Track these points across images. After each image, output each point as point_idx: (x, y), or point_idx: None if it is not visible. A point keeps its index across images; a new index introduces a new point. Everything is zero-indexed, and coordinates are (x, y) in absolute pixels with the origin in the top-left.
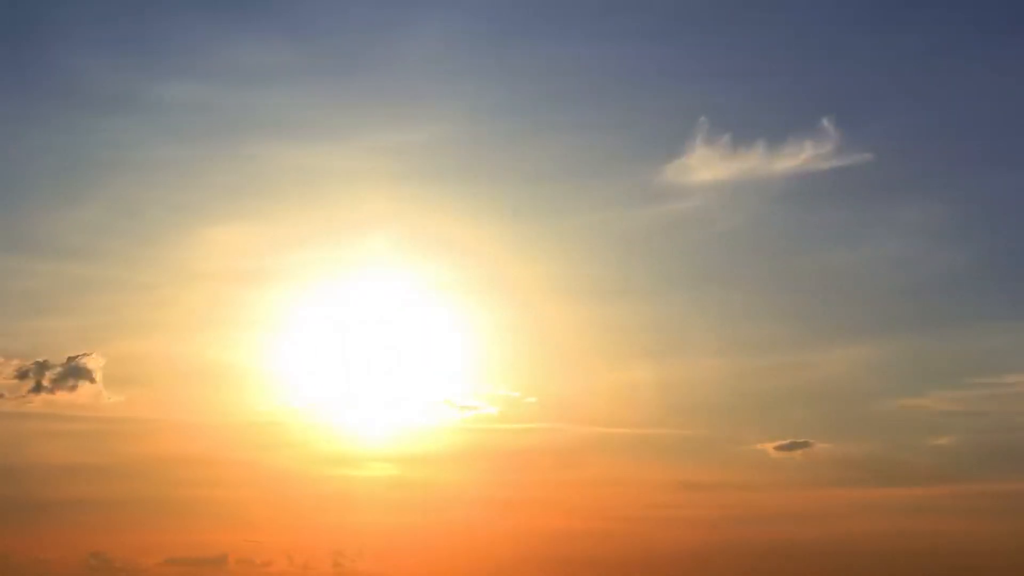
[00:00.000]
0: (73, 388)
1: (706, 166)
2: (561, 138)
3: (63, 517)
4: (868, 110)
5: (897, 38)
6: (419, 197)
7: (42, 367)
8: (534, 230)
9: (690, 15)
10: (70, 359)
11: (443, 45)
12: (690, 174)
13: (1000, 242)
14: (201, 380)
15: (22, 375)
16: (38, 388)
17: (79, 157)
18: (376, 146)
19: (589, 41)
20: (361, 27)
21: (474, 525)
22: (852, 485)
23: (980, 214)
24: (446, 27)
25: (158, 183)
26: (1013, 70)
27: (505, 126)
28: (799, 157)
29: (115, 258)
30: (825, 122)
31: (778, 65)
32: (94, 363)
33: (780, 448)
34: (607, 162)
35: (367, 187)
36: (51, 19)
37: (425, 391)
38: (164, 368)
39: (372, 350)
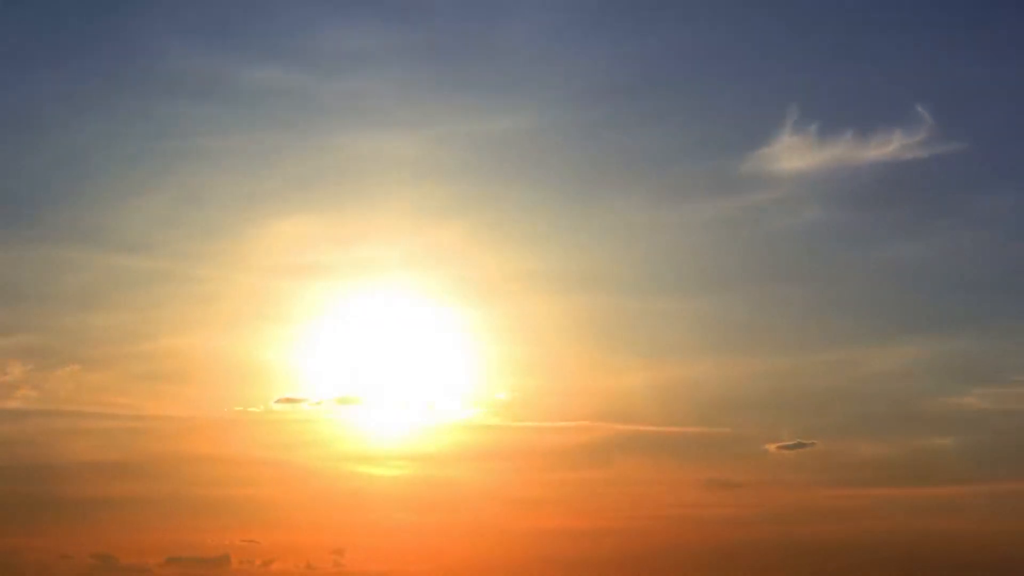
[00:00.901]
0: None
1: (790, 156)
2: (643, 128)
3: (88, 514)
4: (963, 99)
5: (994, 26)
6: (489, 189)
7: (83, 363)
8: (603, 223)
9: (782, 1)
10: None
11: (529, 34)
12: (773, 164)
13: None
14: (236, 376)
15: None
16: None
17: (152, 144)
18: (452, 136)
19: (678, 28)
20: (450, 14)
21: (494, 524)
22: (889, 484)
23: None
24: (534, 16)
25: (227, 173)
26: None
27: (586, 116)
28: (888, 147)
29: (173, 252)
30: (919, 110)
31: (871, 52)
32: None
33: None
34: (688, 153)
35: (438, 178)
36: None
37: (462, 387)
38: (201, 364)
39: (419, 345)
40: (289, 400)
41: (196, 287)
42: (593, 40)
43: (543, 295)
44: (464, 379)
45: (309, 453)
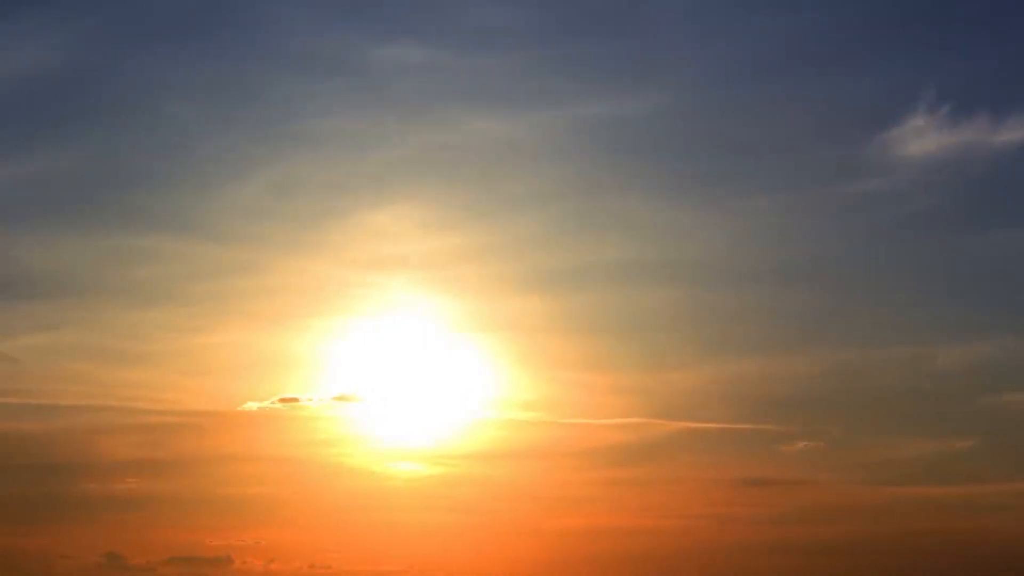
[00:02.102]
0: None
1: (919, 139)
2: (771, 111)
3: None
4: None
5: None
6: (598, 173)
7: (129, 358)
8: (713, 209)
9: None
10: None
11: (669, 13)
12: (900, 147)
13: None
14: (289, 371)
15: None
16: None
17: (258, 128)
18: (574, 118)
19: (816, 5)
20: None
21: (521, 523)
22: (941, 482)
23: None
24: None
25: (331, 158)
26: None
27: (715, 99)
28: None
29: (260, 242)
30: None
31: (1012, 31)
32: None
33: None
34: (812, 135)
35: (550, 162)
36: None
37: (514, 382)
38: (252, 359)
39: (480, 339)
40: (343, 397)
41: (272, 279)
42: (732, 19)
43: (622, 286)
44: (518, 374)
45: (354, 451)
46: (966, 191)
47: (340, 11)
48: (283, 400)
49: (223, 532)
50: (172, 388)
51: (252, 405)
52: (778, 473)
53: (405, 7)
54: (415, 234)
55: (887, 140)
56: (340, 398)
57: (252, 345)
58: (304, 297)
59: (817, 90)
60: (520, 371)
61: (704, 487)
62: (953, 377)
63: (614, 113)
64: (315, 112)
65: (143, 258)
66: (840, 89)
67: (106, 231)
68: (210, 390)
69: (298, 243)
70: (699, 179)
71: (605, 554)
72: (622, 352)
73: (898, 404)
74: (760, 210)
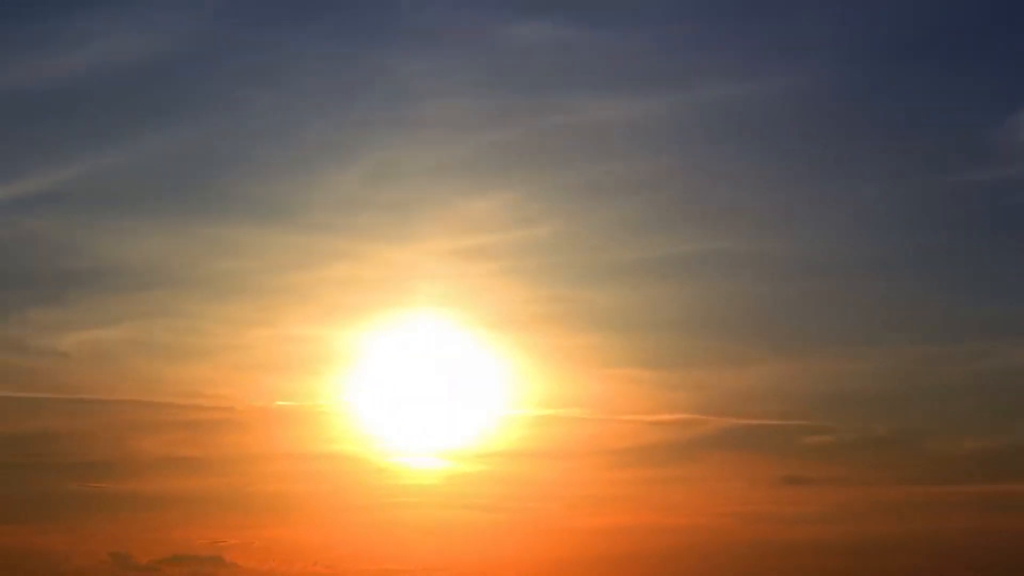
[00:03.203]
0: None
1: None
2: (899, 94)
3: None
4: None
5: None
6: (703, 159)
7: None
8: (823, 198)
9: None
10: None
11: None
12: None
13: None
14: (348, 367)
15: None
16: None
17: (376, 108)
18: (693, 100)
19: None
20: None
21: (548, 522)
22: (998, 480)
23: None
24: None
25: (439, 141)
26: None
27: (839, 81)
28: None
29: (354, 232)
30: None
31: None
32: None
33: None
34: (939, 120)
35: (657, 146)
36: None
37: (566, 377)
38: (314, 354)
39: (536, 334)
40: (388, 392)
41: (355, 270)
42: None
43: (702, 278)
44: (568, 369)
45: (386, 448)
46: None
47: None
48: (322, 395)
49: (244, 530)
50: (218, 384)
51: (284, 403)
52: (826, 471)
53: None
54: (507, 223)
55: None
56: (385, 392)
57: (316, 339)
58: (383, 289)
59: (949, 72)
60: (571, 366)
61: (745, 485)
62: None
63: (739, 95)
64: (430, 93)
65: (226, 249)
66: (969, 72)
67: (194, 221)
68: (257, 386)
69: (388, 233)
70: (815, 166)
71: (629, 552)
72: (682, 347)
73: (959, 401)
74: (871, 199)
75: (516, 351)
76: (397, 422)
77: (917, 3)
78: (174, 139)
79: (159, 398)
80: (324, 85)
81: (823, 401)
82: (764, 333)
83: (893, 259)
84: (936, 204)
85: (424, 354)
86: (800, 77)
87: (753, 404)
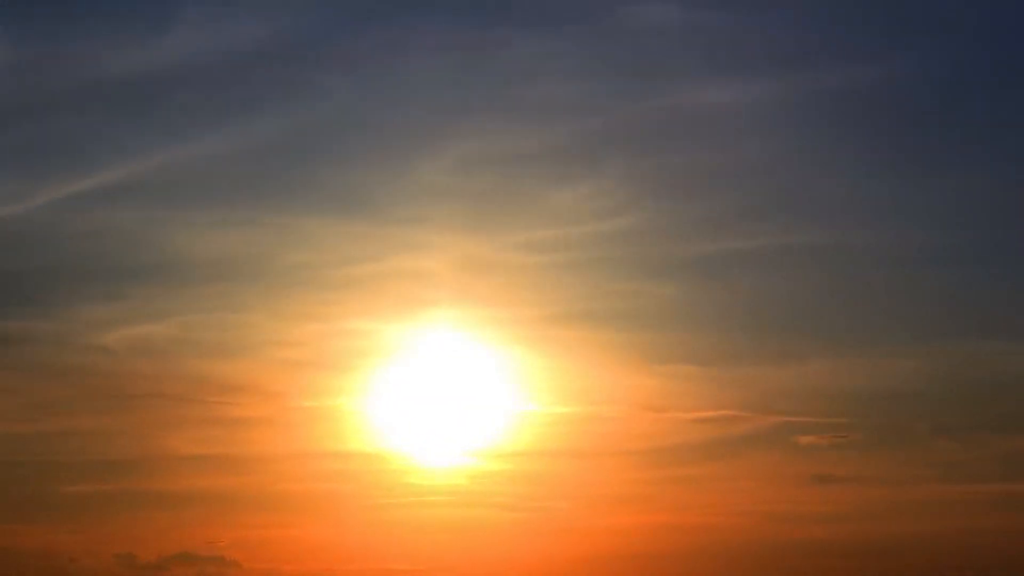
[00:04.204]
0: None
1: None
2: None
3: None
4: None
5: None
6: (812, 147)
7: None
8: (920, 190)
9: None
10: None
11: None
12: None
13: None
14: (395, 364)
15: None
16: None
17: (476, 92)
18: (806, 85)
19: None
20: None
21: (569, 521)
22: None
23: None
24: None
25: (534, 128)
26: None
27: (959, 66)
28: None
29: (434, 223)
30: None
31: None
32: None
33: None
34: None
35: (759, 134)
36: None
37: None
38: (359, 348)
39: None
40: (429, 386)
41: (429, 263)
42: None
43: (775, 273)
44: (617, 366)
45: (416, 446)
46: None
47: None
48: (358, 393)
49: (265, 529)
50: (257, 381)
51: (312, 403)
52: (862, 469)
53: None
54: (590, 214)
55: None
56: (427, 390)
57: (367, 334)
58: (447, 283)
59: None
60: (620, 363)
61: (777, 483)
62: None
63: (853, 80)
64: (537, 77)
65: (297, 242)
66: None
67: (270, 214)
68: (296, 383)
69: (467, 225)
70: (919, 156)
71: (656, 551)
72: (736, 344)
73: (1007, 398)
74: (972, 191)
75: (567, 348)
76: (433, 420)
77: None
78: (258, 130)
79: (194, 395)
80: (424, 71)
81: (871, 398)
82: (822, 329)
83: (961, 254)
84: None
85: (472, 351)
86: (920, 63)
87: (799, 401)
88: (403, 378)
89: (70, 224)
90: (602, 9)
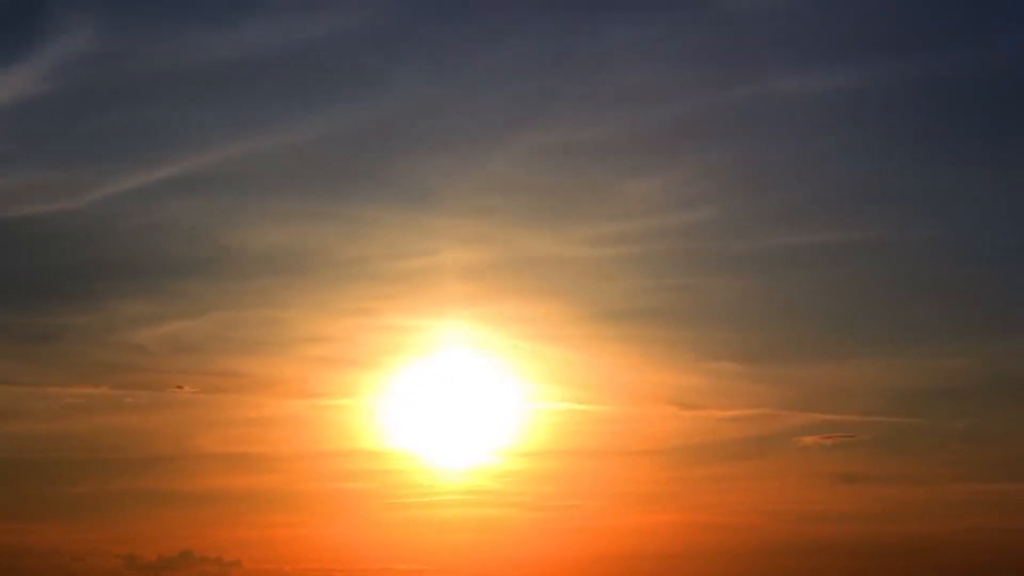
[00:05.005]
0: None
1: None
2: None
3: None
4: None
5: None
6: (892, 138)
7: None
8: (994, 185)
9: None
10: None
11: None
12: None
13: None
14: (407, 360)
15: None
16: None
17: (557, 78)
18: (900, 72)
19: None
20: None
21: (591, 519)
22: None
23: None
24: None
25: (614, 116)
26: None
27: None
28: None
29: (500, 216)
30: None
31: None
32: None
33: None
34: None
35: (843, 123)
36: None
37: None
38: (397, 344)
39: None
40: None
41: (489, 256)
42: None
43: (827, 268)
44: (653, 363)
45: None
46: None
47: None
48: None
49: (285, 528)
50: (287, 379)
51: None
52: (893, 468)
53: None
54: (659, 208)
55: None
56: (460, 387)
57: (409, 330)
58: (502, 278)
59: None
60: (663, 360)
61: (812, 482)
62: None
63: (950, 67)
64: (619, 62)
65: (356, 235)
66: None
67: (332, 206)
68: (326, 382)
69: (533, 218)
70: (999, 151)
71: (673, 551)
72: (782, 340)
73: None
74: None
75: (610, 345)
76: (464, 418)
77: None
78: (330, 121)
79: (220, 393)
80: (501, 56)
81: (913, 397)
82: (870, 327)
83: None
84: None
85: (511, 349)
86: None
87: (838, 399)
88: (437, 376)
89: (125, 220)
90: None
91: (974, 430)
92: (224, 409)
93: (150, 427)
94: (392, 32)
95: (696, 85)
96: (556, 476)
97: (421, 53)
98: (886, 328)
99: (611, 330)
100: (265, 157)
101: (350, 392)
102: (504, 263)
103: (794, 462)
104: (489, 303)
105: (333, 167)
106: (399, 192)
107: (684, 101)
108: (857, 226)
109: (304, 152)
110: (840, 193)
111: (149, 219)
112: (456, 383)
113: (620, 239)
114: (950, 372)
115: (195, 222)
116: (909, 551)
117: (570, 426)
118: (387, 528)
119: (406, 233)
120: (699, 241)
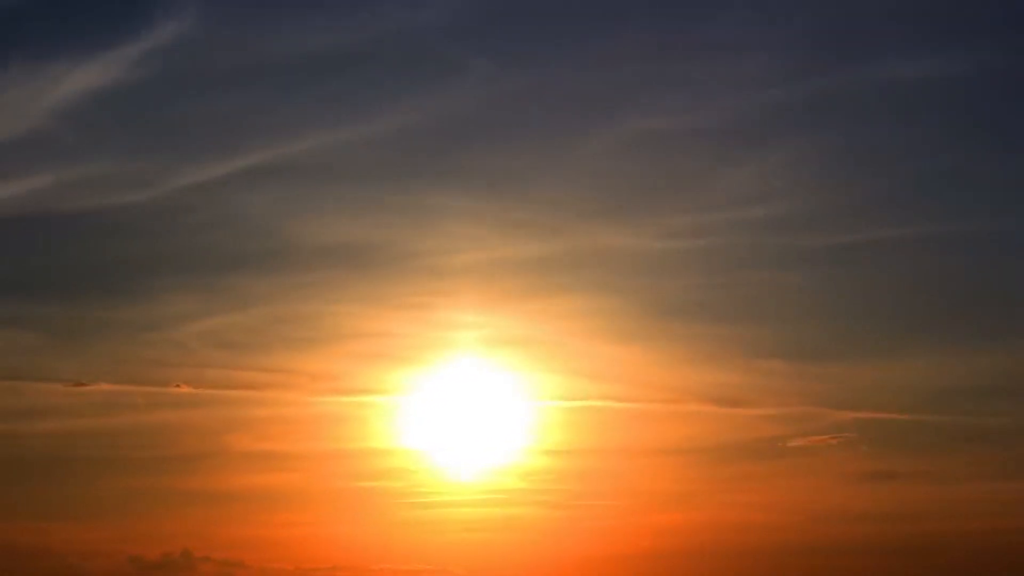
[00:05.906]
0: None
1: None
2: None
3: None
4: None
5: None
6: (975, 128)
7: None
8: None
9: None
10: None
11: None
12: None
13: None
14: (451, 356)
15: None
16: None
17: (652, 63)
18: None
19: None
20: None
21: (612, 518)
22: None
23: None
24: None
25: (710, 103)
26: None
27: None
28: None
29: (578, 206)
30: None
31: None
32: None
33: None
34: None
35: (935, 112)
36: None
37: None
38: (437, 341)
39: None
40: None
41: (557, 247)
42: None
43: (889, 263)
44: (696, 362)
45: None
46: None
47: None
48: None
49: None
50: (331, 375)
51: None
52: (927, 465)
53: None
54: (740, 200)
55: None
56: (499, 382)
57: (461, 325)
58: (563, 273)
59: None
60: (707, 357)
61: (847, 481)
62: None
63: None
64: (712, 48)
65: (424, 226)
66: None
67: (406, 196)
68: (367, 379)
69: (614, 210)
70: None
71: (686, 550)
72: (829, 338)
73: None
74: None
75: (658, 342)
76: (501, 417)
77: None
78: (410, 111)
79: (259, 390)
80: (596, 41)
81: (955, 394)
82: (922, 322)
83: None
84: None
85: (559, 345)
86: None
87: (878, 397)
88: (477, 374)
89: (186, 214)
90: None
91: (1019, 428)
92: (257, 407)
93: (180, 425)
94: (479, 23)
95: (799, 70)
96: (586, 475)
97: (501, 42)
98: (933, 324)
99: (663, 327)
100: (342, 149)
101: (388, 389)
102: (570, 257)
103: (831, 460)
104: (545, 298)
105: (409, 159)
106: (473, 185)
107: (784, 88)
108: (931, 219)
109: (381, 144)
110: (919, 185)
111: (211, 213)
112: (495, 381)
113: (695, 232)
114: (997, 370)
115: (259, 216)
116: (949, 549)
117: (604, 424)
118: (414, 527)
119: (474, 226)
120: (774, 235)
